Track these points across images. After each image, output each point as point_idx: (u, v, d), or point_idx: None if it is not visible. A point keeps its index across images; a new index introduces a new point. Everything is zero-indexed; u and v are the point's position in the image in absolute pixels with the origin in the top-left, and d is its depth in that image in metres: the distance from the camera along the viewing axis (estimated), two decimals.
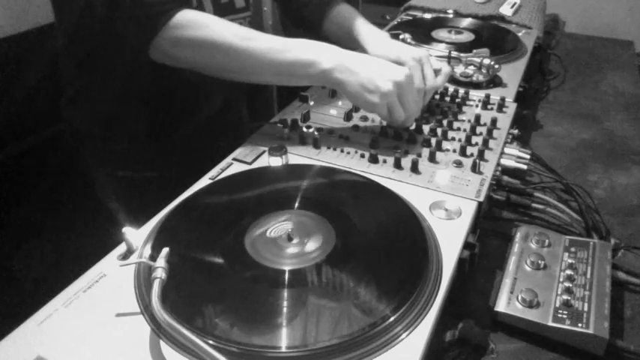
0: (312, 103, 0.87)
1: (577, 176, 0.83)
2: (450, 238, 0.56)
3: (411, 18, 1.37)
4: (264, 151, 0.72)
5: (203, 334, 0.43)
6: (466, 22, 1.29)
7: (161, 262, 0.47)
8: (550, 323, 0.52)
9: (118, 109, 0.89)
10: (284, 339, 0.44)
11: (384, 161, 0.71)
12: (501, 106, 0.86)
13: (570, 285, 0.55)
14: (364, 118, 0.82)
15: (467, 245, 0.57)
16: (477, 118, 0.80)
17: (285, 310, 0.47)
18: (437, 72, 0.86)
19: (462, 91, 0.91)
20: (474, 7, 1.37)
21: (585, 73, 1.25)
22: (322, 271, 0.51)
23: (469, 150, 0.73)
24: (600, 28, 2.25)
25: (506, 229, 0.68)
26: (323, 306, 0.47)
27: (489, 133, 0.78)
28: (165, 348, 0.44)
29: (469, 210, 0.61)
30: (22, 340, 0.44)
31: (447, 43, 1.13)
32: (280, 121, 0.79)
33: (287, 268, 0.51)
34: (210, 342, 0.43)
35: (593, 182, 0.82)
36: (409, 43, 1.08)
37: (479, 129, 0.79)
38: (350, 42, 0.75)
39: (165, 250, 0.49)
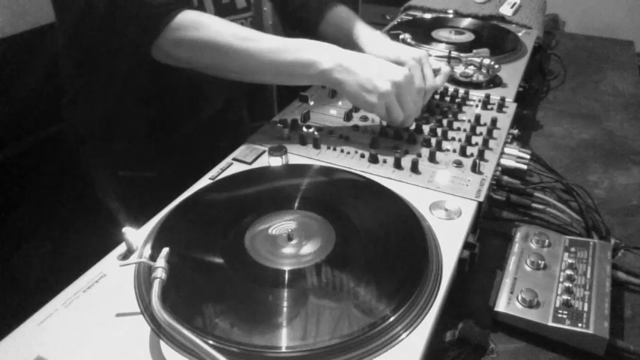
0: (312, 103, 0.87)
1: (577, 176, 0.83)
2: (450, 238, 0.56)
3: (411, 18, 1.37)
4: (264, 151, 0.72)
5: (203, 334, 0.43)
6: (466, 22, 1.29)
7: (161, 262, 0.47)
8: (550, 323, 0.52)
9: (118, 109, 0.89)
10: (284, 339, 0.44)
11: (384, 161, 0.71)
12: (501, 106, 0.86)
13: (570, 285, 0.55)
14: (364, 118, 0.82)
15: (467, 245, 0.57)
16: (477, 118, 0.80)
17: (285, 310, 0.47)
18: (436, 72, 0.86)
19: (462, 91, 0.91)
20: (474, 7, 1.37)
21: (585, 73, 1.25)
22: (322, 271, 0.51)
23: (469, 150, 0.73)
24: (600, 28, 2.25)
25: (506, 229, 0.68)
26: (323, 306, 0.47)
27: (489, 133, 0.78)
28: (165, 348, 0.44)
29: (469, 210, 0.61)
30: (22, 340, 0.44)
31: (447, 43, 1.13)
32: (280, 121, 0.79)
33: (287, 268, 0.51)
34: (210, 342, 0.43)
35: (593, 182, 0.82)
36: (409, 43, 1.08)
37: (479, 129, 0.79)
38: (348, 44, 0.75)
39: (165, 250, 0.49)
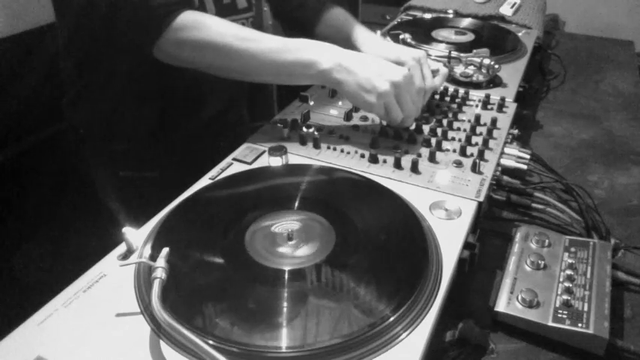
0: (312, 103, 0.87)
1: (577, 176, 0.83)
2: (450, 238, 0.56)
3: (411, 18, 1.37)
4: (264, 151, 0.72)
5: (203, 334, 0.43)
6: (466, 22, 1.29)
7: (161, 262, 0.47)
8: (550, 323, 0.52)
9: (118, 109, 0.89)
10: (284, 339, 0.44)
11: (384, 161, 0.71)
12: (501, 106, 0.86)
13: (570, 285, 0.55)
14: (364, 118, 0.82)
15: (467, 245, 0.57)
16: (477, 118, 0.80)
17: (285, 309, 0.47)
18: (434, 73, 0.86)
19: (462, 91, 0.91)
20: (474, 7, 1.37)
21: (585, 73, 1.25)
22: (322, 270, 0.51)
23: (469, 150, 0.73)
24: (600, 28, 2.25)
25: (506, 229, 0.68)
26: (323, 306, 0.47)
27: (489, 133, 0.78)
28: (165, 348, 0.44)
29: (469, 210, 0.61)
30: (22, 340, 0.44)
31: (447, 43, 1.14)
32: (280, 121, 0.79)
33: (287, 268, 0.51)
34: (210, 342, 0.43)
35: (593, 182, 0.82)
36: (409, 43, 1.08)
37: (479, 129, 0.79)
38: (346, 46, 0.75)
39: (165, 250, 0.49)
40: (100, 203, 0.96)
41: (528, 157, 0.76)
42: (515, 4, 1.39)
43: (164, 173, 0.91)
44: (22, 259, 1.15)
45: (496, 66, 0.96)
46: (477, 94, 0.90)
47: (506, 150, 0.77)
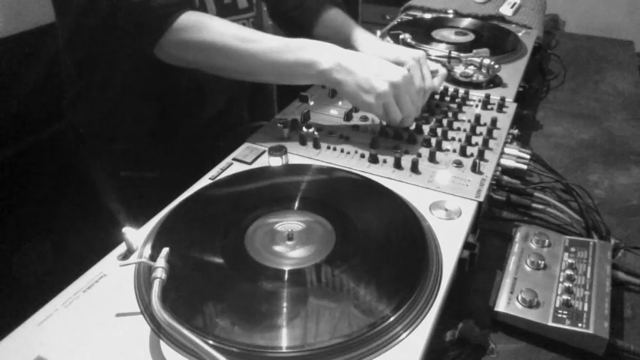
0: (312, 103, 0.87)
1: (577, 176, 0.83)
2: (450, 238, 0.56)
3: (411, 18, 1.37)
4: (264, 151, 0.72)
5: (203, 334, 0.43)
6: (466, 22, 1.29)
7: (161, 262, 0.47)
8: (550, 323, 0.52)
9: (119, 109, 0.89)
10: (284, 339, 0.44)
11: (384, 161, 0.71)
12: (501, 106, 0.86)
13: (570, 285, 0.55)
14: (364, 118, 0.82)
15: (467, 245, 0.57)
16: (477, 118, 0.80)
17: (285, 309, 0.47)
18: (433, 73, 0.86)
19: (462, 91, 0.91)
20: (474, 7, 1.37)
21: (585, 73, 1.25)
22: (322, 270, 0.51)
23: (469, 150, 0.73)
24: (600, 28, 2.25)
25: (506, 229, 0.68)
26: (323, 306, 0.47)
27: (489, 133, 0.78)
28: (165, 348, 0.44)
29: (469, 210, 0.61)
30: (22, 340, 0.44)
31: (447, 43, 1.14)
32: (280, 121, 0.79)
33: (287, 268, 0.51)
34: (210, 342, 0.43)
35: (593, 182, 0.82)
36: (409, 43, 1.08)
37: (479, 129, 0.79)
38: (345, 47, 0.75)
39: (165, 250, 0.49)
40: (100, 203, 0.96)
41: (528, 157, 0.76)
42: (515, 4, 1.39)
43: (164, 173, 0.91)
44: (22, 259, 1.15)
45: (496, 66, 0.96)
46: (476, 94, 0.90)
47: (506, 150, 0.77)
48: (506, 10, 1.35)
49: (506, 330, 0.54)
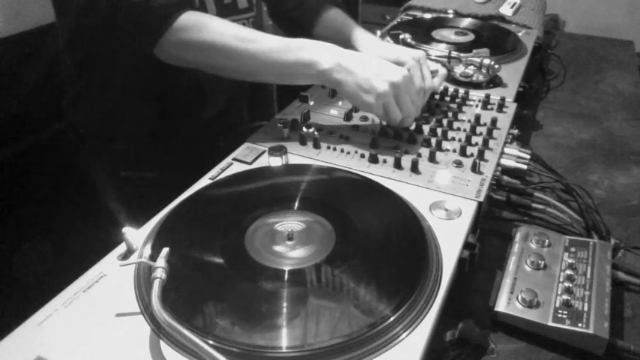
0: (312, 103, 0.87)
1: (577, 176, 0.83)
2: (450, 238, 0.56)
3: (411, 18, 1.37)
4: (264, 151, 0.72)
5: (203, 334, 0.43)
6: (466, 22, 1.29)
7: (161, 262, 0.47)
8: (550, 323, 0.52)
9: (119, 109, 0.89)
10: (284, 339, 0.44)
11: (384, 161, 0.71)
12: (501, 106, 0.86)
13: (570, 285, 0.55)
14: (364, 118, 0.82)
15: (467, 245, 0.57)
16: (477, 118, 0.80)
17: (285, 309, 0.47)
18: (433, 73, 0.86)
19: (462, 91, 0.91)
20: (474, 7, 1.37)
21: (585, 73, 1.25)
22: (322, 270, 0.51)
23: (469, 150, 0.73)
24: (600, 28, 2.25)
25: (506, 229, 0.68)
26: (323, 306, 0.47)
27: (489, 133, 0.78)
28: (165, 348, 0.44)
29: (469, 210, 0.61)
30: (22, 340, 0.44)
31: (447, 43, 1.14)
32: (280, 121, 0.79)
33: (287, 268, 0.51)
34: (210, 342, 0.43)
35: (593, 182, 0.82)
36: (409, 43, 1.08)
37: (479, 129, 0.79)
38: (345, 47, 0.75)
39: (165, 250, 0.49)
40: (100, 203, 0.96)
41: (528, 157, 0.76)
42: (515, 4, 1.39)
43: (164, 173, 0.91)
44: (22, 259, 1.15)
45: (496, 66, 0.96)
46: (477, 94, 0.90)
47: (506, 150, 0.77)
48: (506, 10, 1.35)
49: (506, 330, 0.54)
